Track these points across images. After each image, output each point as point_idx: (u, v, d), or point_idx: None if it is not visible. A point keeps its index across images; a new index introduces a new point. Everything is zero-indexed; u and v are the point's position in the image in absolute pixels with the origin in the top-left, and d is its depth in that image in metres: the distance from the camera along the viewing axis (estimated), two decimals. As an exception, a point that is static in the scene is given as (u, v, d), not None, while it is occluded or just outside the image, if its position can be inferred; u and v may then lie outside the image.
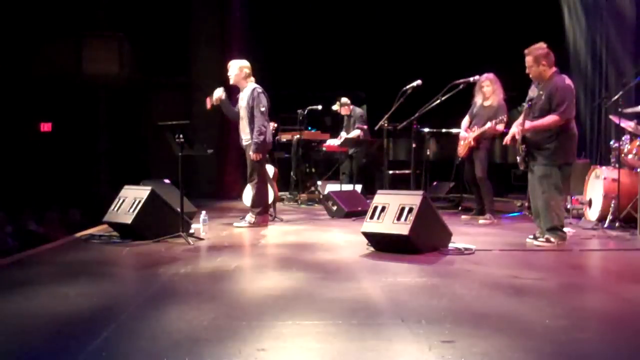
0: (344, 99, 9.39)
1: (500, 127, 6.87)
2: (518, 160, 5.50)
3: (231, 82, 6.60)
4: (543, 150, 5.24)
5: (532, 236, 5.50)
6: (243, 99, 6.53)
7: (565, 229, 5.90)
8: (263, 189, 6.60)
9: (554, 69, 5.27)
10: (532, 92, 5.40)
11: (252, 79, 6.61)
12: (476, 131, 7.00)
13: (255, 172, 6.52)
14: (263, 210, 6.62)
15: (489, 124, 6.84)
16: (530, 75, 5.33)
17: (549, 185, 5.22)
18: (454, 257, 4.74)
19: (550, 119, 5.14)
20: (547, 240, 5.27)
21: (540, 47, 5.26)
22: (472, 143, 7.01)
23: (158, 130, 5.79)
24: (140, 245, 5.30)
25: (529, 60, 5.26)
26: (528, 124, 5.27)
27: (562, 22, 10.39)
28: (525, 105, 5.36)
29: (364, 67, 12.08)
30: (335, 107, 9.42)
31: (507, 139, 5.54)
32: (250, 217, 6.57)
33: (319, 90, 10.41)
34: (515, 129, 5.44)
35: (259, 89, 6.48)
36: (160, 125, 5.69)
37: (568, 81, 5.26)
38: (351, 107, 9.43)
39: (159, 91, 12.53)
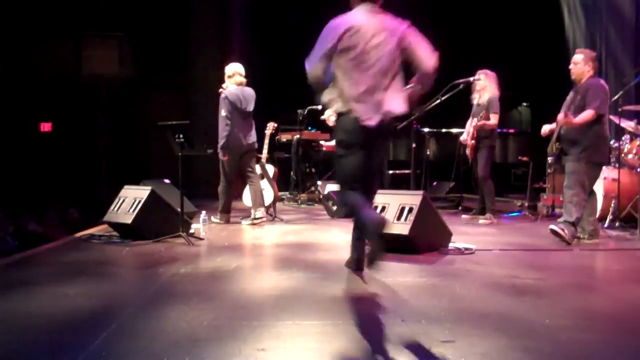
0: (328, 111, 9.39)
1: (493, 120, 6.86)
2: (550, 161, 5.61)
3: None
4: (575, 147, 5.38)
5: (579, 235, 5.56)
6: None
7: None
8: (224, 190, 6.74)
9: (592, 73, 5.50)
10: (570, 95, 5.64)
11: (241, 80, 6.69)
12: (471, 131, 7.01)
13: (222, 173, 6.72)
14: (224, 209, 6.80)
15: (474, 122, 6.87)
16: (572, 72, 5.55)
17: (575, 181, 5.35)
18: (454, 257, 4.75)
19: (586, 113, 5.30)
20: (562, 230, 5.37)
21: (593, 52, 5.67)
22: (473, 143, 7.01)
23: (158, 130, 5.79)
24: (140, 245, 5.30)
25: (578, 57, 5.53)
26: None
27: (562, 22, 10.38)
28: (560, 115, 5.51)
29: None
30: (323, 117, 9.41)
31: (544, 132, 5.76)
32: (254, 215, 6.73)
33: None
34: (546, 128, 5.72)
35: (225, 94, 6.57)
36: (160, 125, 5.69)
37: (602, 82, 5.50)
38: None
39: (158, 91, 12.54)
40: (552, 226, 5.43)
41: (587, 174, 5.36)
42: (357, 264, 4.00)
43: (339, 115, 3.85)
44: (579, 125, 5.31)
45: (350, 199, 3.66)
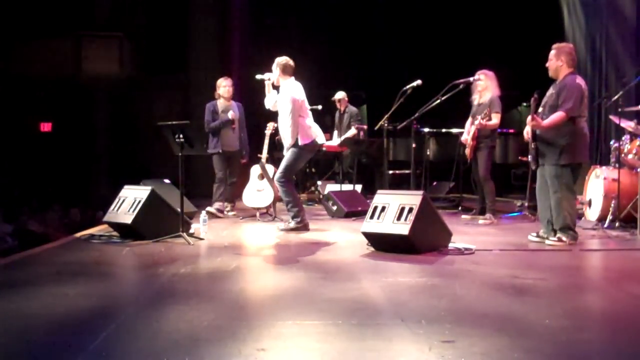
0: (343, 93, 9.40)
1: (495, 120, 6.85)
2: (530, 159, 5.51)
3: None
4: (553, 148, 5.27)
5: (534, 234, 5.51)
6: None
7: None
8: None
9: (570, 69, 5.35)
10: (549, 91, 5.46)
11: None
12: (472, 130, 7.01)
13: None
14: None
15: (477, 121, 6.86)
16: (548, 69, 5.42)
17: (560, 185, 5.25)
18: (454, 257, 4.74)
19: (556, 115, 5.19)
20: (559, 240, 5.28)
21: (567, 45, 5.49)
22: (473, 142, 7.01)
23: (158, 130, 5.79)
24: (140, 245, 5.29)
25: (551, 53, 5.39)
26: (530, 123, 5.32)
27: (562, 22, 10.38)
28: (532, 99, 5.39)
29: (364, 67, 12.07)
30: (335, 98, 9.40)
31: (525, 136, 5.62)
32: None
33: (319, 90, 10.42)
34: (528, 128, 5.54)
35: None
36: (160, 125, 5.69)
37: (579, 80, 5.31)
38: (347, 104, 9.44)
39: (158, 90, 12.53)
40: (549, 242, 5.33)
41: (570, 175, 5.25)
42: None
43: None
44: (549, 127, 5.20)
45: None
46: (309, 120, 6.24)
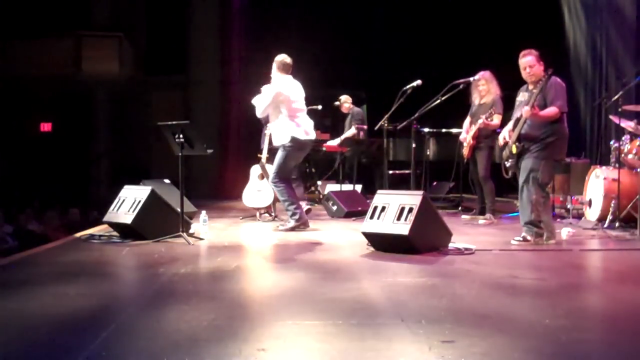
0: (344, 97, 9.42)
1: (496, 120, 6.86)
2: (507, 165, 5.43)
3: None
4: (536, 144, 5.25)
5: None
6: None
7: (565, 229, 5.91)
8: None
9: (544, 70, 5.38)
10: (522, 96, 5.44)
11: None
12: (472, 129, 7.02)
13: None
14: None
15: (480, 120, 6.86)
16: (530, 75, 5.33)
17: (533, 180, 5.21)
18: (454, 257, 4.74)
19: (551, 109, 5.19)
20: (524, 239, 5.25)
21: (534, 50, 5.44)
22: (472, 142, 7.02)
23: (158, 130, 5.79)
24: (140, 245, 5.29)
25: (530, 60, 5.33)
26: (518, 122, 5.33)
27: (562, 22, 10.38)
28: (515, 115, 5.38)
29: (364, 67, 12.07)
30: (336, 103, 9.41)
31: (500, 142, 5.59)
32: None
33: (319, 89, 10.43)
34: (505, 133, 5.49)
35: None
36: (160, 125, 5.68)
37: (559, 79, 5.36)
38: (351, 106, 9.45)
39: (158, 90, 12.54)
40: (513, 242, 5.27)
41: (545, 172, 5.22)
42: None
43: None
44: (545, 119, 5.18)
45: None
46: (301, 119, 6.18)
